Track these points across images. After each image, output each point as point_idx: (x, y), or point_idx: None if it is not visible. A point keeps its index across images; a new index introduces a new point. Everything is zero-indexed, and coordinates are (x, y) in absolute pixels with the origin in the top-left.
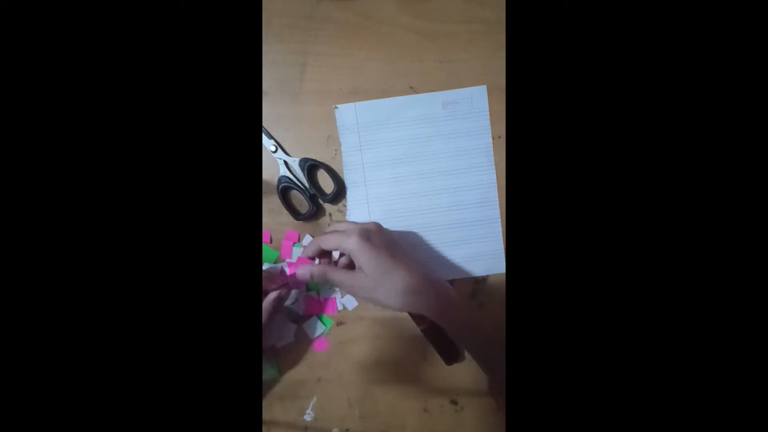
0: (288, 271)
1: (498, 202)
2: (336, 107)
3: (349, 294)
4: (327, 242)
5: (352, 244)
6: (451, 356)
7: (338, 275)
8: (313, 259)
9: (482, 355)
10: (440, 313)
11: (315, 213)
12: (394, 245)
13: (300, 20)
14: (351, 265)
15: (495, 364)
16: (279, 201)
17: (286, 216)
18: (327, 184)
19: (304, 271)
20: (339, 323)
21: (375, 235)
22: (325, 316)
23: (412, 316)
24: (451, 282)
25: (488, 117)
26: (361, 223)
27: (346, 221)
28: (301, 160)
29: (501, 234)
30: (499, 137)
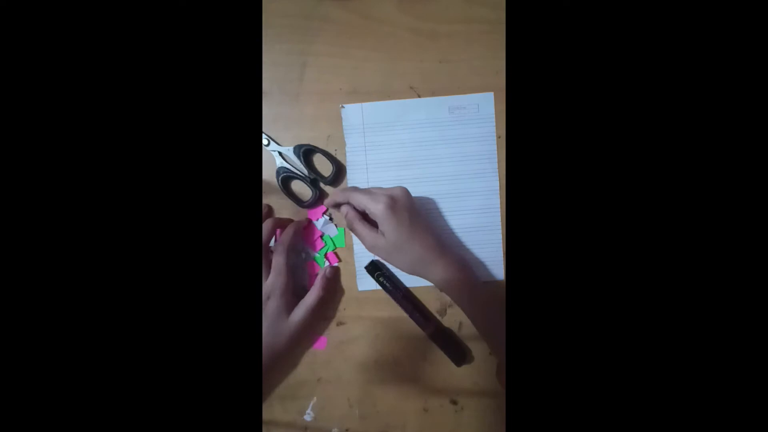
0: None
1: (500, 210)
2: (342, 107)
3: (367, 250)
4: (356, 200)
5: (378, 211)
6: (459, 358)
7: (362, 229)
8: (337, 206)
9: (482, 322)
10: (444, 285)
11: (318, 197)
12: (415, 215)
13: (300, 20)
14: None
15: (494, 328)
16: (279, 196)
17: (289, 208)
18: (325, 167)
19: (337, 198)
20: (339, 323)
21: (400, 204)
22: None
23: (417, 321)
24: None
25: (494, 123)
26: (390, 189)
27: (376, 187)
28: (294, 147)
29: (501, 241)
30: (500, 137)
